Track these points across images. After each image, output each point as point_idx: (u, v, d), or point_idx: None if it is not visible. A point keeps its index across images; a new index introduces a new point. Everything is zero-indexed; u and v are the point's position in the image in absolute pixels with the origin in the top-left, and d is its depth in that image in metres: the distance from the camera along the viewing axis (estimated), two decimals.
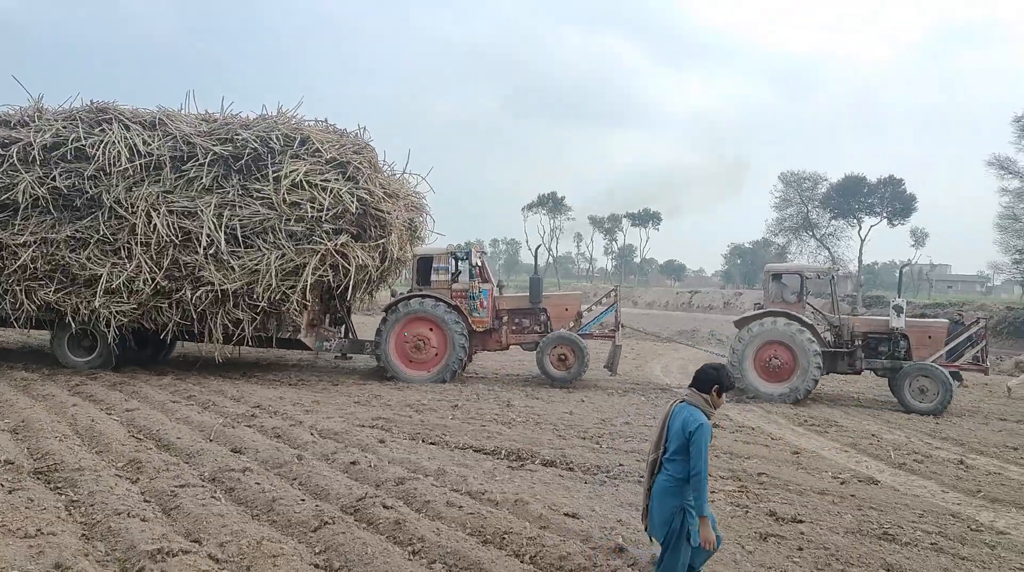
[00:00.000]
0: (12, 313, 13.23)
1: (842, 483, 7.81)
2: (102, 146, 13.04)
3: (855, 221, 51.72)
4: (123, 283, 12.72)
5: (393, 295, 14.76)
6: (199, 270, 12.69)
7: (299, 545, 5.37)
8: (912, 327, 13.80)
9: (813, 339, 13.34)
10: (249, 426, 9.37)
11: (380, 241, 13.43)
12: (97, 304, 12.78)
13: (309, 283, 12.60)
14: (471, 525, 5.81)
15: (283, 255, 12.65)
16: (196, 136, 13.29)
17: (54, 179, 13.05)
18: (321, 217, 12.69)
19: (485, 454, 8.37)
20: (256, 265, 12.65)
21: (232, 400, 11.26)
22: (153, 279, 12.71)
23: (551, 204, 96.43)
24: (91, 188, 12.99)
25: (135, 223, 12.77)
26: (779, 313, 13.67)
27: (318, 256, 12.67)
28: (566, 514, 6.12)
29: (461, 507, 6.16)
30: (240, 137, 13.15)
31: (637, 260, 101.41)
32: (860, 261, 52.62)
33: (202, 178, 12.97)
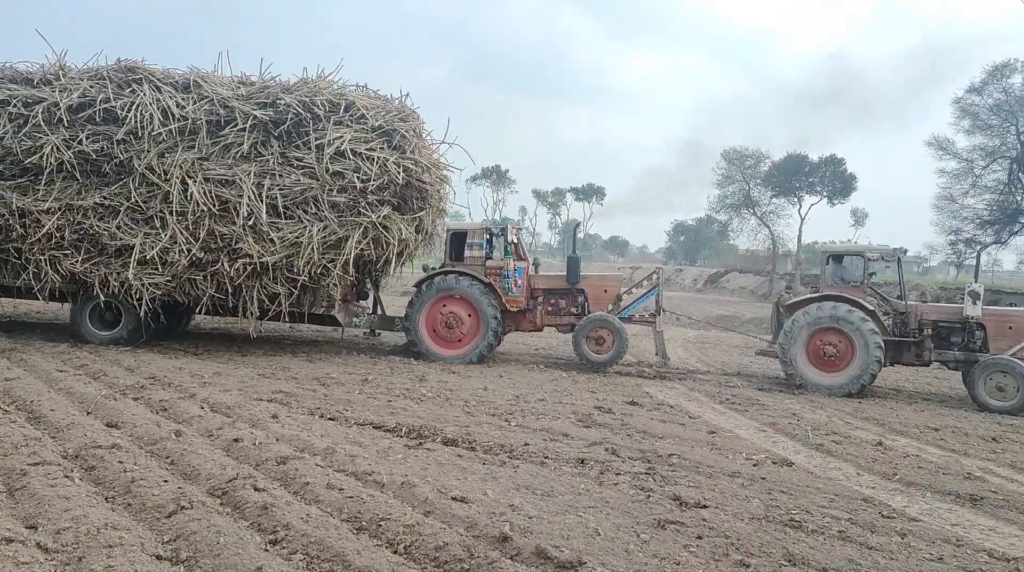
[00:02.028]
0: (36, 284, 12.28)
1: (755, 465, 7.52)
2: (133, 108, 12.17)
3: (796, 200, 52.39)
4: (157, 254, 11.87)
5: (425, 270, 14.03)
6: (236, 242, 11.89)
7: (147, 532, 4.81)
8: (990, 316, 12.48)
9: (874, 327, 12.15)
10: (135, 398, 8.70)
11: (419, 213, 12.85)
12: (131, 275, 11.87)
13: (352, 257, 11.94)
14: (348, 510, 5.31)
15: (325, 227, 11.94)
16: (234, 100, 12.41)
17: (81, 142, 12.15)
18: (366, 188, 11.96)
19: (385, 431, 7.87)
20: (297, 237, 11.89)
21: (126, 370, 10.52)
22: (189, 250, 11.88)
23: (495, 177, 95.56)
24: (121, 153, 12.16)
25: (168, 191, 11.94)
26: (836, 297, 12.50)
27: (361, 229, 11.96)
28: (454, 498, 5.65)
29: (342, 489, 5.65)
30: (282, 101, 12.28)
31: (581, 235, 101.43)
32: (800, 240, 53.33)
33: (241, 144, 12.09)
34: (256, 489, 5.54)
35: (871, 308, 12.39)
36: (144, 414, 7.77)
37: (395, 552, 4.74)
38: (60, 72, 12.86)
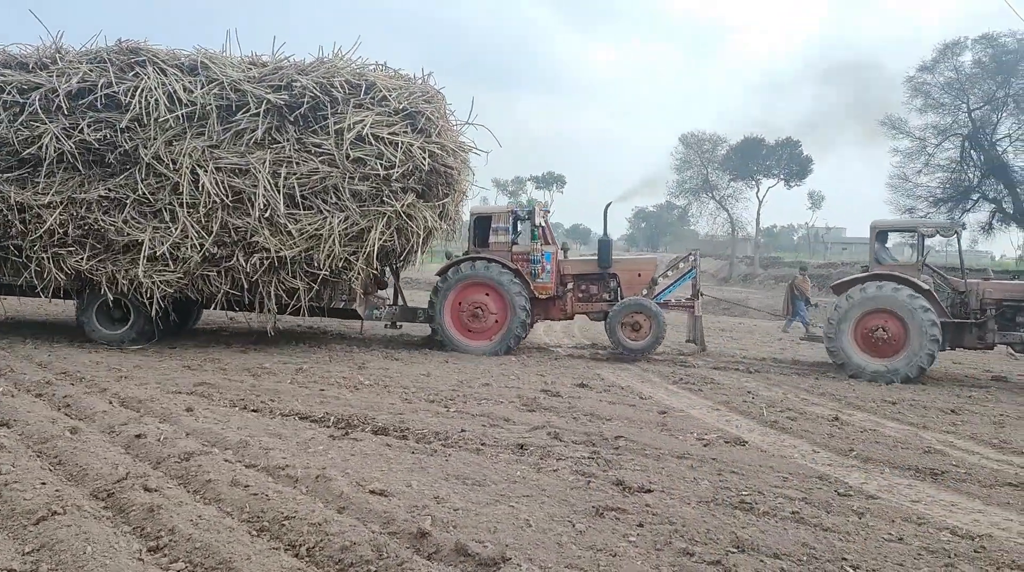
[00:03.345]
0: (38, 283, 11.40)
1: (706, 445, 7.08)
2: (137, 93, 11.23)
3: (753, 183, 52.50)
4: (167, 249, 11.05)
5: (448, 258, 13.27)
6: (252, 235, 11.09)
7: (7, 542, 4.20)
8: None
9: (929, 307, 11.21)
10: (38, 395, 8.00)
11: (443, 200, 12.12)
12: (140, 272, 11.06)
13: (375, 249, 11.20)
14: (250, 509, 4.74)
15: (347, 218, 11.16)
16: (246, 82, 11.47)
17: (82, 131, 11.21)
18: (390, 175, 11.20)
19: (311, 422, 7.27)
20: (317, 229, 11.09)
21: (38, 366, 9.77)
22: (201, 245, 11.06)
23: None
24: (126, 142, 11.23)
25: (178, 182, 11.07)
26: (887, 276, 11.57)
27: (385, 219, 11.25)
28: (372, 491, 5.10)
29: (248, 486, 5.07)
30: (298, 83, 11.38)
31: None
32: (758, 223, 53.59)
33: (254, 130, 11.25)
34: (147, 489, 4.94)
35: (926, 287, 11.45)
36: (41, 411, 7.08)
37: (295, 555, 4.18)
38: (57, 55, 11.88)
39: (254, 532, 4.47)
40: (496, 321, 12.59)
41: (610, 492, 5.52)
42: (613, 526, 4.83)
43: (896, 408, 9.31)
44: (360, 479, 5.38)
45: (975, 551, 4.70)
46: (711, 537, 4.73)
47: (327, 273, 11.23)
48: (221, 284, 11.33)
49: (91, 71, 11.53)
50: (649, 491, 5.56)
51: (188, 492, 5.08)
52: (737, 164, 52.46)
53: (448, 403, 8.36)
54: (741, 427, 8.05)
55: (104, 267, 11.29)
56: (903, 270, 11.80)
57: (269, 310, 11.55)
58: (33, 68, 11.72)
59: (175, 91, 11.28)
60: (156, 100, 11.17)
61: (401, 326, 14.06)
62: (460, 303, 12.66)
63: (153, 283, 11.16)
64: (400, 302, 13.69)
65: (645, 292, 12.98)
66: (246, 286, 11.32)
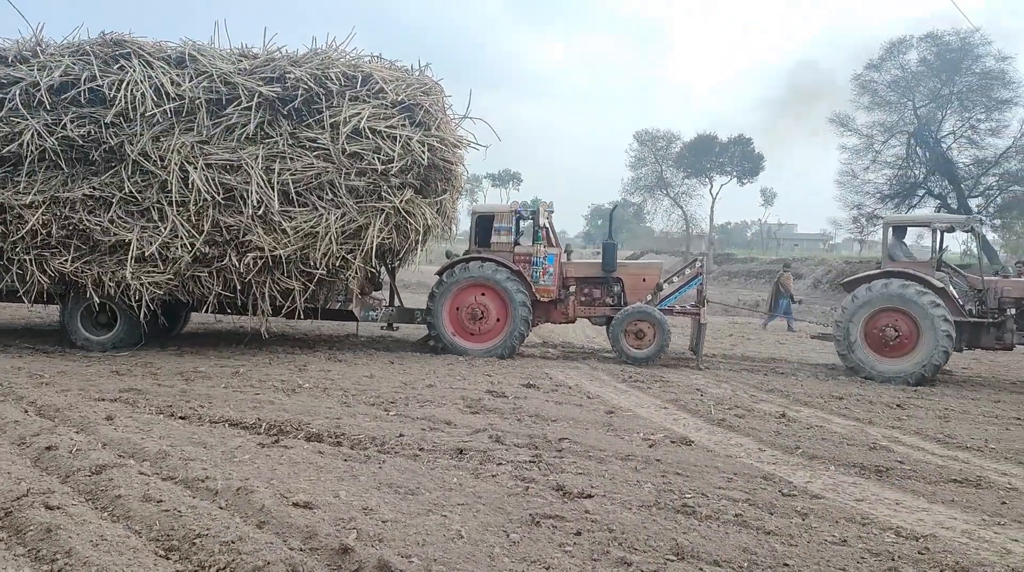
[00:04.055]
0: (20, 286, 10.75)
1: (651, 446, 6.91)
2: (122, 87, 10.67)
3: (707, 180, 53.02)
4: (156, 250, 10.52)
5: (448, 257, 12.80)
6: (245, 234, 10.60)
7: None
8: None
9: (940, 305, 10.77)
10: None
11: (442, 196, 11.69)
12: (128, 274, 10.53)
13: (374, 247, 10.76)
14: (160, 527, 4.41)
15: (344, 215, 10.73)
16: (236, 75, 10.95)
17: (65, 127, 10.63)
18: (388, 170, 10.78)
19: (241, 429, 6.91)
20: (313, 227, 10.64)
21: None
22: (192, 245, 10.55)
23: None
24: (111, 138, 10.70)
25: (166, 179, 10.56)
26: (899, 273, 11.18)
27: (383, 215, 10.82)
28: (296, 504, 4.80)
29: (160, 502, 4.73)
30: (291, 75, 10.89)
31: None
32: (712, 220, 54.11)
33: (245, 125, 10.76)
34: (48, 507, 4.58)
35: (939, 285, 11.01)
36: None
37: None
38: (38, 48, 11.28)
39: (161, 552, 4.14)
40: (496, 324, 12.23)
41: (549, 498, 5.30)
42: (550, 535, 4.61)
43: (843, 403, 9.29)
44: (285, 490, 5.08)
45: (919, 552, 4.58)
46: (651, 544, 4.54)
47: (324, 272, 10.84)
48: (213, 285, 10.87)
49: (74, 64, 10.99)
50: (590, 496, 5.36)
51: (94, 509, 4.73)
52: (691, 161, 52.89)
53: (389, 406, 8.07)
54: (688, 426, 7.91)
55: (90, 269, 10.78)
56: (916, 267, 11.39)
57: (263, 312, 11.11)
58: (13, 62, 11.15)
59: (162, 84, 10.78)
60: (142, 94, 10.68)
61: (398, 328, 13.74)
62: (459, 304, 12.30)
63: (141, 285, 10.67)
64: (397, 303, 13.31)
65: (649, 297, 12.61)
66: (239, 287, 10.88)
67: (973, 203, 36.10)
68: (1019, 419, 8.73)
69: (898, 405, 9.22)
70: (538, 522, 4.77)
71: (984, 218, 11.91)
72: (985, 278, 11.40)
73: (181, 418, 7.24)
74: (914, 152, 36.93)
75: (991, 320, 11.11)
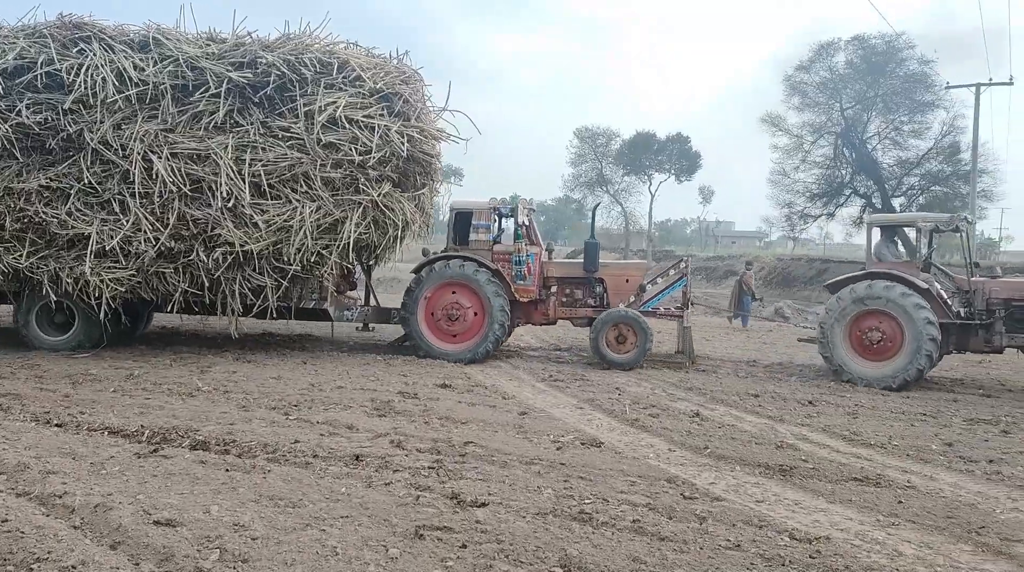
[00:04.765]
0: None
1: (559, 448, 6.74)
2: (81, 71, 10.14)
3: (646, 177, 53.57)
4: (118, 244, 9.97)
5: (425, 255, 12.23)
6: (213, 227, 10.07)
7: None
8: None
9: (925, 306, 10.35)
10: None
11: (421, 190, 11.26)
12: (87, 270, 9.94)
13: (351, 242, 10.25)
14: None
15: (319, 208, 10.23)
16: (204, 59, 10.41)
17: (20, 114, 10.14)
18: (366, 162, 10.31)
19: (121, 437, 6.49)
20: (286, 220, 10.12)
21: None
22: (156, 239, 10.00)
23: None
24: (69, 125, 10.18)
25: (128, 169, 10.04)
26: (882, 274, 10.79)
27: (360, 209, 10.33)
28: (158, 522, 4.46)
29: (5, 521, 4.35)
30: (263, 60, 10.35)
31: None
32: (650, 217, 54.69)
33: (214, 112, 10.27)
34: None
35: (924, 286, 10.60)
36: None
37: None
38: None
39: None
40: (473, 324, 11.80)
41: (441, 508, 5.05)
42: (433, 549, 4.37)
43: (758, 401, 9.29)
44: (150, 506, 4.72)
45: (810, 556, 4.49)
46: (539, 556, 4.34)
47: (297, 269, 10.38)
48: (179, 282, 10.37)
49: (29, 47, 10.44)
50: (484, 504, 5.13)
51: None
52: (630, 159, 53.30)
53: (291, 410, 7.72)
54: (601, 426, 7.77)
55: (46, 265, 10.25)
56: (901, 268, 11.01)
57: (232, 311, 10.58)
58: None
59: (124, 69, 10.26)
60: (103, 79, 10.18)
61: (374, 328, 13.31)
62: (436, 305, 11.86)
63: (101, 282, 10.13)
64: (373, 302, 12.83)
65: (633, 298, 12.23)
66: (207, 284, 10.37)
67: (896, 203, 37.20)
68: (925, 415, 8.84)
69: (810, 402, 9.25)
70: (422, 535, 4.52)
71: (970, 217, 11.51)
72: (972, 279, 11.03)
73: (57, 426, 6.78)
74: (841, 152, 37.84)
75: (979, 322, 10.71)
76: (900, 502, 5.61)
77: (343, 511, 4.89)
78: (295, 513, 4.82)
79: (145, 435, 6.48)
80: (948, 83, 33.19)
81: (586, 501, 5.31)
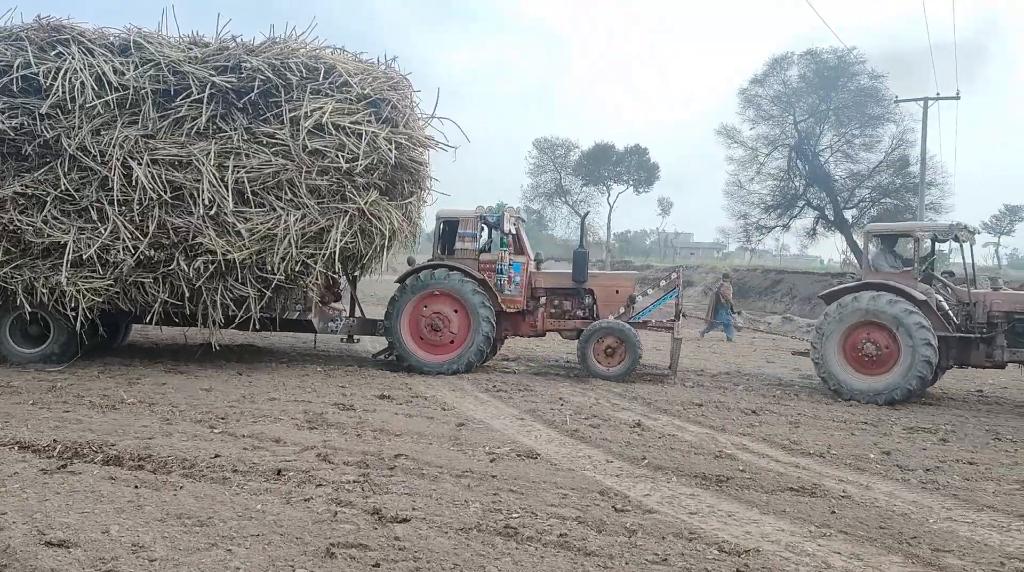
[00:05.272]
0: None
1: (492, 460, 6.55)
2: (59, 75, 9.81)
3: (604, 188, 53.89)
4: (95, 253, 9.60)
5: (411, 264, 11.86)
6: (195, 236, 9.73)
7: None
8: None
9: (921, 320, 9.90)
10: None
11: (409, 199, 10.96)
12: (63, 279, 9.58)
13: (337, 251, 9.91)
14: None
15: (304, 216, 9.91)
16: (186, 63, 10.09)
17: None
18: (352, 169, 10.03)
19: (31, 452, 6.13)
20: (270, 229, 9.79)
21: None
22: (135, 248, 9.64)
23: None
24: (46, 131, 9.86)
25: (107, 176, 9.72)
26: (878, 285, 10.40)
27: (347, 217, 10.03)
28: (51, 543, 4.18)
29: None
30: (247, 65, 10.04)
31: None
32: (609, 227, 54.99)
33: (196, 118, 9.95)
34: None
35: (922, 297, 10.16)
36: None
37: None
38: None
39: None
40: (458, 335, 11.46)
41: (359, 524, 4.83)
42: (343, 568, 4.15)
43: (701, 410, 9.21)
44: (46, 526, 4.43)
45: (738, 570, 4.37)
46: None
47: (281, 278, 10.03)
48: (158, 292, 10.00)
49: (5, 50, 10.17)
50: (406, 520, 4.92)
51: None
52: (588, 169, 53.55)
53: (217, 422, 7.42)
54: (540, 437, 7.60)
55: (20, 274, 9.87)
56: (898, 278, 10.53)
57: (214, 322, 10.21)
58: None
59: (104, 73, 9.91)
60: (81, 83, 9.83)
61: (359, 340, 12.94)
62: (420, 315, 11.51)
63: (78, 292, 9.74)
64: (358, 314, 12.45)
65: (623, 310, 11.89)
66: (187, 294, 10.00)
67: (848, 214, 37.88)
68: (867, 424, 8.84)
69: (753, 412, 9.20)
70: (334, 554, 4.30)
71: (972, 226, 11.29)
72: (972, 290, 10.57)
73: None
74: (795, 165, 38.44)
75: (979, 335, 10.25)
76: (833, 512, 5.53)
77: (254, 529, 4.65)
78: (202, 532, 4.55)
79: (56, 450, 6.13)
80: (897, 97, 33.84)
81: (513, 515, 5.13)
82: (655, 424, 8.35)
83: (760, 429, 8.26)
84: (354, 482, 5.71)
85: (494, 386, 10.39)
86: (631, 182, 54.74)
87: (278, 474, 5.80)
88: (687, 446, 7.37)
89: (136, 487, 5.32)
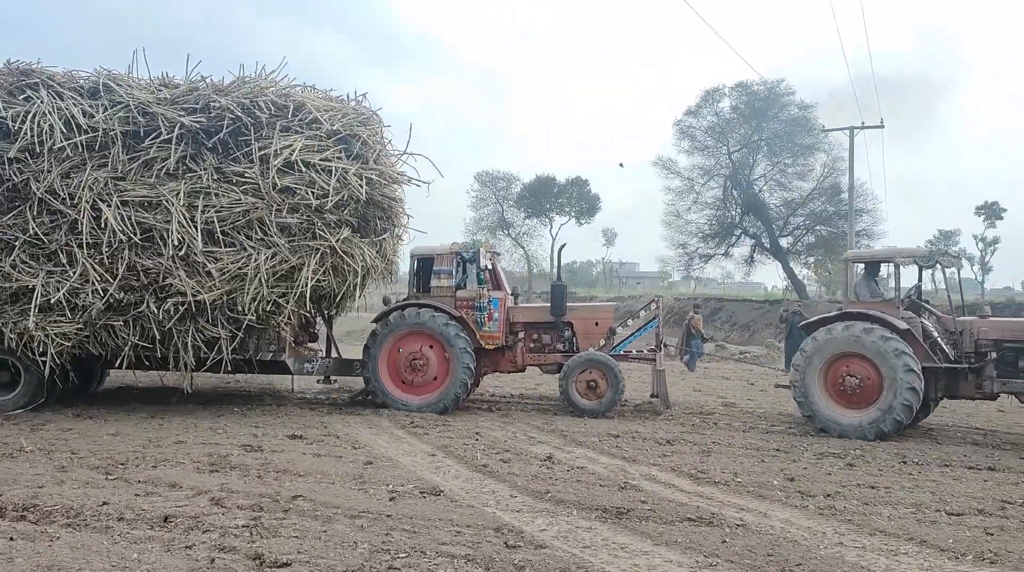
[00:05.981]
0: None
1: (392, 499, 6.47)
2: (28, 118, 9.77)
3: (547, 220, 54.48)
4: (64, 297, 9.52)
5: (386, 303, 11.58)
6: (165, 277, 9.67)
7: None
8: None
9: (904, 350, 9.50)
10: None
11: (382, 235, 10.98)
12: (31, 325, 9.48)
13: (308, 289, 9.76)
14: None
15: (274, 255, 9.84)
16: (155, 104, 10.08)
17: None
18: (323, 206, 9.98)
19: None
20: (240, 268, 9.71)
21: None
22: (105, 291, 9.53)
23: None
24: (14, 175, 9.86)
25: (76, 219, 9.66)
26: (858, 314, 10.01)
27: (318, 255, 9.94)
28: None
29: None
30: (217, 105, 10.02)
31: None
32: (552, 259, 55.35)
33: (166, 159, 9.92)
34: None
35: (904, 326, 9.73)
36: None
37: None
38: None
39: None
40: (437, 375, 11.29)
41: (237, 570, 4.72)
42: None
43: (616, 441, 9.25)
44: None
45: None
46: None
47: (253, 318, 9.84)
48: (129, 335, 9.82)
49: None
50: (287, 564, 4.82)
51: None
52: (530, 202, 54.06)
53: (113, 469, 7.19)
54: (448, 474, 7.54)
55: None
56: (880, 307, 10.12)
57: (185, 365, 10.02)
58: None
59: (73, 116, 9.85)
60: (50, 126, 9.73)
61: (336, 381, 12.67)
62: (397, 355, 11.33)
63: (47, 336, 9.54)
64: (335, 354, 12.22)
65: (603, 342, 11.77)
66: (158, 337, 9.83)
67: (784, 242, 38.92)
68: (778, 451, 8.96)
69: (668, 441, 9.27)
70: None
71: (954, 252, 11.25)
72: (958, 318, 10.18)
73: None
74: (730, 194, 39.47)
75: (968, 366, 9.80)
76: (724, 541, 5.57)
77: None
78: None
79: None
80: (824, 126, 34.98)
81: (400, 556, 5.06)
82: (567, 457, 8.35)
83: (671, 459, 8.31)
84: (243, 527, 5.57)
85: (411, 422, 10.30)
86: (573, 213, 55.44)
87: (165, 521, 5.63)
88: (594, 478, 7.38)
89: (11, 539, 5.11)
